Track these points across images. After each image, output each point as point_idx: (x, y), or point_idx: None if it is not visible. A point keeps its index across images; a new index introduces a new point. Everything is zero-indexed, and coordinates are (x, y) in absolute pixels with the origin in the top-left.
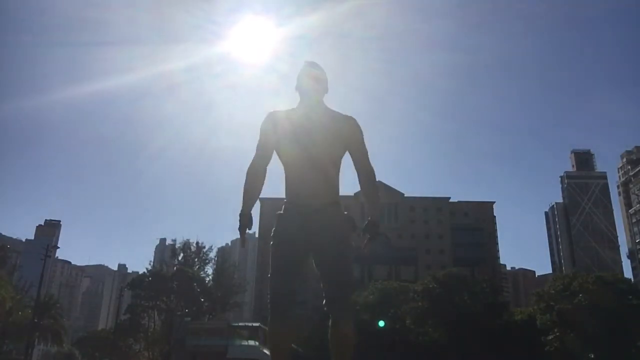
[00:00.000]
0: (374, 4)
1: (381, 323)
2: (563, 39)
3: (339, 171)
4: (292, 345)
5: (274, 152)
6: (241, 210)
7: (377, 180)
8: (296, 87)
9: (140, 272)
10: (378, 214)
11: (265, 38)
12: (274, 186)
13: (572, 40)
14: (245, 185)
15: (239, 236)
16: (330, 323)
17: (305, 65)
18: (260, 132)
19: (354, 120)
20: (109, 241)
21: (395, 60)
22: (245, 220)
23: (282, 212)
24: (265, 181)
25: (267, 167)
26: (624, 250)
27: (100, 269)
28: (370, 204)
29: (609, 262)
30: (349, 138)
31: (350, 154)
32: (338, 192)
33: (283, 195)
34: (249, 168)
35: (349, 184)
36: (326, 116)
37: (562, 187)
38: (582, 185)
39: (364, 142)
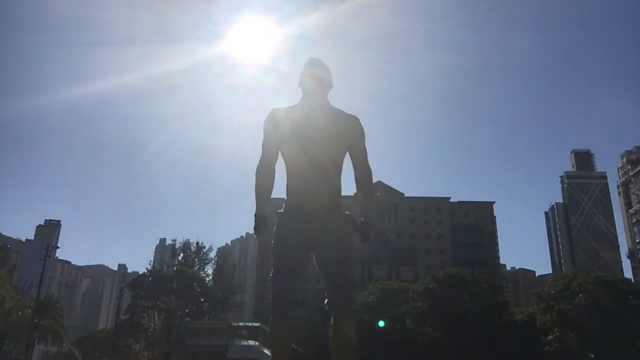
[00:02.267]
0: (374, 4)
1: (381, 323)
2: (563, 39)
3: (340, 171)
4: (292, 345)
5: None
6: (255, 211)
7: (375, 180)
8: (299, 84)
9: (140, 272)
10: (373, 215)
11: (265, 38)
12: (275, 186)
13: (572, 40)
14: (255, 186)
15: (238, 236)
16: (331, 323)
17: (308, 62)
18: (263, 131)
19: (357, 119)
20: (109, 241)
21: (395, 60)
22: (260, 221)
23: (282, 211)
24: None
25: (276, 166)
26: (624, 250)
27: (100, 269)
28: (365, 204)
29: (609, 262)
30: (350, 137)
31: (350, 153)
32: (339, 192)
33: (283, 195)
34: (257, 168)
35: (349, 184)
36: (327, 115)
37: (562, 187)
38: (582, 185)
39: (364, 143)
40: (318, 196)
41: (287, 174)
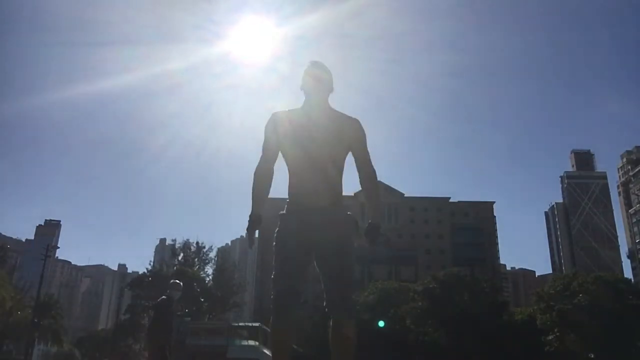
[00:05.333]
0: (374, 4)
1: (381, 323)
2: (563, 39)
3: (341, 172)
4: (293, 345)
5: (280, 153)
6: (250, 212)
7: (377, 181)
8: (300, 86)
9: (140, 272)
10: (379, 216)
11: (265, 38)
12: (275, 186)
13: (572, 40)
14: (253, 187)
15: (238, 236)
16: (331, 323)
17: (309, 65)
18: (264, 134)
19: (357, 121)
20: (109, 241)
21: (395, 60)
22: (255, 220)
23: (284, 212)
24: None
25: (275, 168)
26: (624, 250)
27: (100, 269)
28: (371, 206)
29: (609, 262)
30: (351, 139)
31: (353, 156)
32: (340, 193)
33: (283, 195)
34: (255, 170)
35: (348, 183)
36: (328, 117)
37: (562, 187)
38: (582, 185)
39: (366, 144)
40: (319, 196)
41: (289, 174)
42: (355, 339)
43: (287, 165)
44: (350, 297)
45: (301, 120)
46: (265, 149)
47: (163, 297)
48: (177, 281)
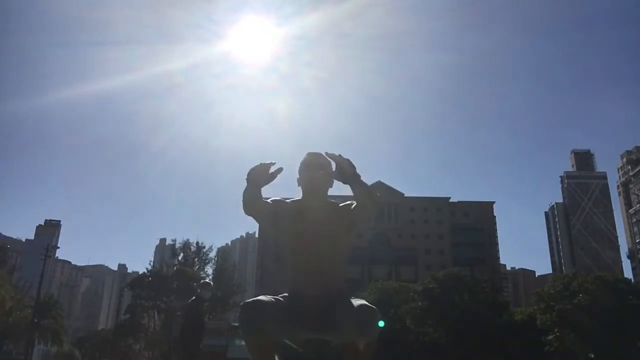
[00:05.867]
0: (374, 4)
1: (381, 323)
2: (563, 39)
3: (344, 258)
4: (293, 345)
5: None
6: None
7: (375, 180)
8: (298, 181)
9: (140, 272)
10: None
11: (265, 38)
12: (275, 187)
13: (572, 40)
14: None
15: (238, 236)
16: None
17: (307, 163)
18: (262, 219)
19: (351, 204)
20: (109, 241)
21: (395, 60)
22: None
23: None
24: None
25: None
26: (624, 250)
27: (100, 269)
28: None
29: (609, 262)
30: (349, 220)
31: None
32: (343, 278)
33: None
34: (244, 196)
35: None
36: (327, 210)
37: (562, 187)
38: (582, 185)
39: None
40: (321, 284)
41: (289, 266)
42: (373, 349)
43: (287, 255)
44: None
45: (300, 212)
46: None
47: (193, 297)
48: (208, 281)
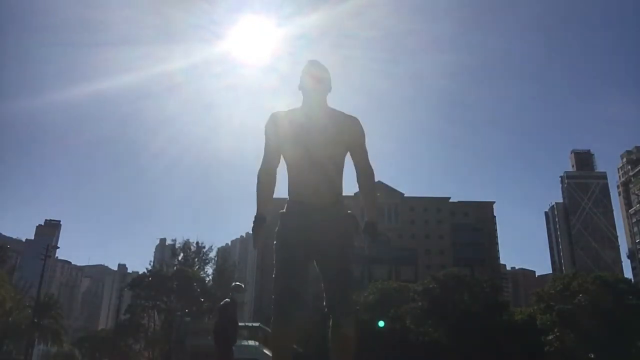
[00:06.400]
0: (374, 4)
1: (381, 323)
2: (563, 39)
3: (341, 171)
4: (293, 345)
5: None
6: (256, 213)
7: (376, 180)
8: (299, 86)
9: (140, 272)
10: (375, 215)
11: (265, 38)
12: (276, 186)
13: (572, 40)
14: (257, 189)
15: (238, 236)
16: (330, 323)
17: (308, 65)
18: (265, 135)
19: (357, 120)
20: (109, 241)
21: (395, 60)
22: (259, 222)
23: (284, 211)
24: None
25: (278, 169)
26: (624, 250)
27: (100, 269)
28: (368, 203)
29: (609, 262)
30: (350, 137)
31: (351, 155)
32: (341, 192)
33: (283, 195)
34: (258, 172)
35: (349, 184)
36: (327, 116)
37: (562, 187)
38: (582, 185)
39: (364, 143)
40: (319, 195)
41: (288, 174)
42: (356, 339)
43: (287, 165)
44: (350, 297)
45: (300, 120)
46: (266, 151)
47: (227, 300)
48: (239, 283)
